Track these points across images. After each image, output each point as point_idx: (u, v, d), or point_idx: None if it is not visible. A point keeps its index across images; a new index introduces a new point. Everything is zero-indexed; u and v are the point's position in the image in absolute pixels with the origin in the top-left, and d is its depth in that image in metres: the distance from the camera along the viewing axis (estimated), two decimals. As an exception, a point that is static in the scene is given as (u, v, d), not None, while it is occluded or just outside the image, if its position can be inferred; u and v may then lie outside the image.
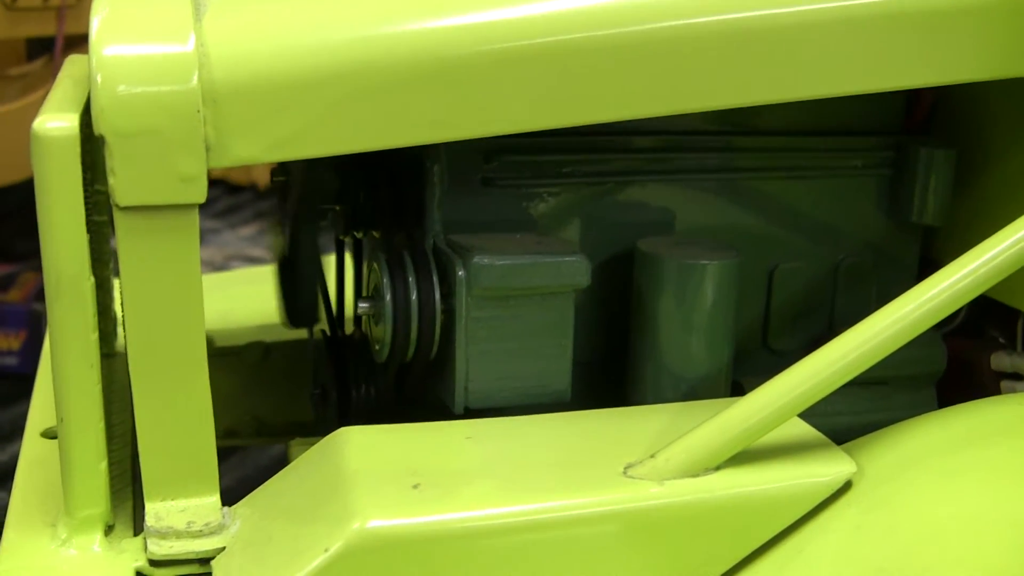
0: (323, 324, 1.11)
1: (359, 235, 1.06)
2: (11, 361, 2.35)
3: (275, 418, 1.30)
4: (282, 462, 2.13)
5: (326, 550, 0.71)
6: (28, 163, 2.48)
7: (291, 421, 1.31)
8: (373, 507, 0.72)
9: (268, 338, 1.29)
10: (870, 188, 1.07)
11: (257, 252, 3.17)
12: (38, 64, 2.44)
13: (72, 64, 1.02)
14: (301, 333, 1.22)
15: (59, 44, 2.26)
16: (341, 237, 1.07)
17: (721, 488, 0.77)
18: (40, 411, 1.08)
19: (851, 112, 1.03)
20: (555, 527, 0.74)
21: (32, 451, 1.00)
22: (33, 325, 2.35)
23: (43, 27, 2.19)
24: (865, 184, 1.07)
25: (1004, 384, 1.09)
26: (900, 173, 1.06)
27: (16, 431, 2.23)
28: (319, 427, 1.10)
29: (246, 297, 1.23)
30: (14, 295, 2.40)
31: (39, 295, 2.41)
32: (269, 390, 1.29)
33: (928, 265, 1.13)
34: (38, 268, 2.67)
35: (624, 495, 0.76)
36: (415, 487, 0.75)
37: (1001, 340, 1.13)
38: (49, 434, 1.02)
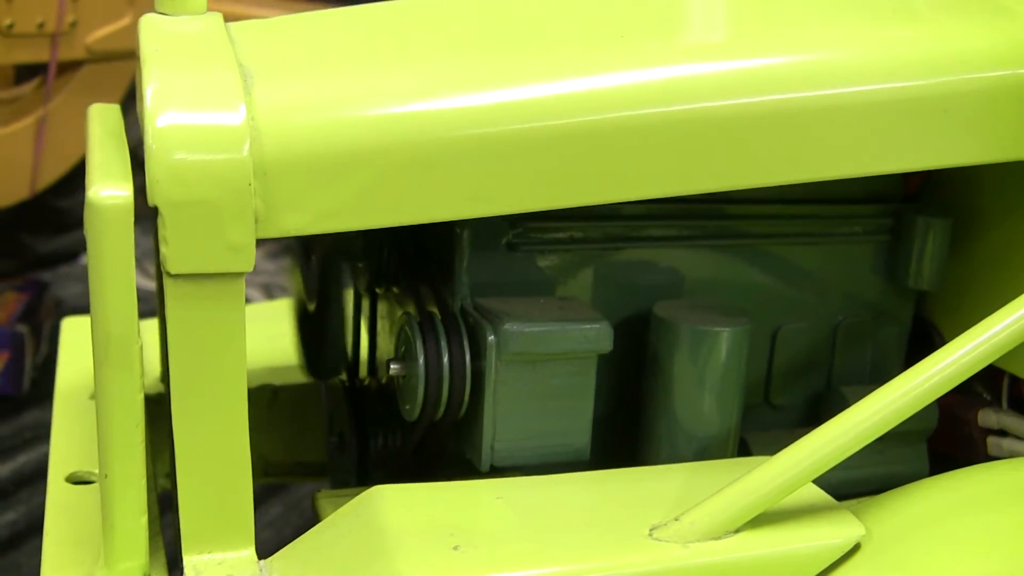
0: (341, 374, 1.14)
1: (380, 291, 1.09)
2: (-7, 383, 2.35)
3: (281, 458, 1.33)
4: (267, 495, 2.12)
5: (373, 611, 0.74)
6: (16, 188, 2.48)
7: (297, 461, 1.33)
8: (419, 568, 0.76)
9: (277, 380, 1.32)
10: (869, 253, 1.13)
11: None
12: (28, 88, 2.43)
13: (100, 117, 1.03)
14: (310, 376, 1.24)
15: (52, 70, 2.26)
16: (362, 292, 1.11)
17: (742, 550, 0.82)
18: (61, 455, 1.10)
19: (852, 182, 1.08)
20: (589, 589, 0.78)
21: (58, 497, 1.02)
22: (15, 347, 2.34)
23: (37, 53, 2.20)
24: (864, 250, 1.12)
25: (991, 440, 1.15)
26: (898, 239, 1.12)
27: (0, 453, 2.23)
28: (336, 475, 1.14)
29: (256, 336, 1.26)
30: (-4, 316, 2.39)
31: (22, 316, 2.40)
32: (276, 431, 1.32)
33: (920, 325, 1.19)
34: (19, 288, 2.67)
35: (652, 557, 0.80)
36: (456, 548, 0.78)
37: (987, 397, 1.19)
38: (74, 479, 1.04)
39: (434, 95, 0.82)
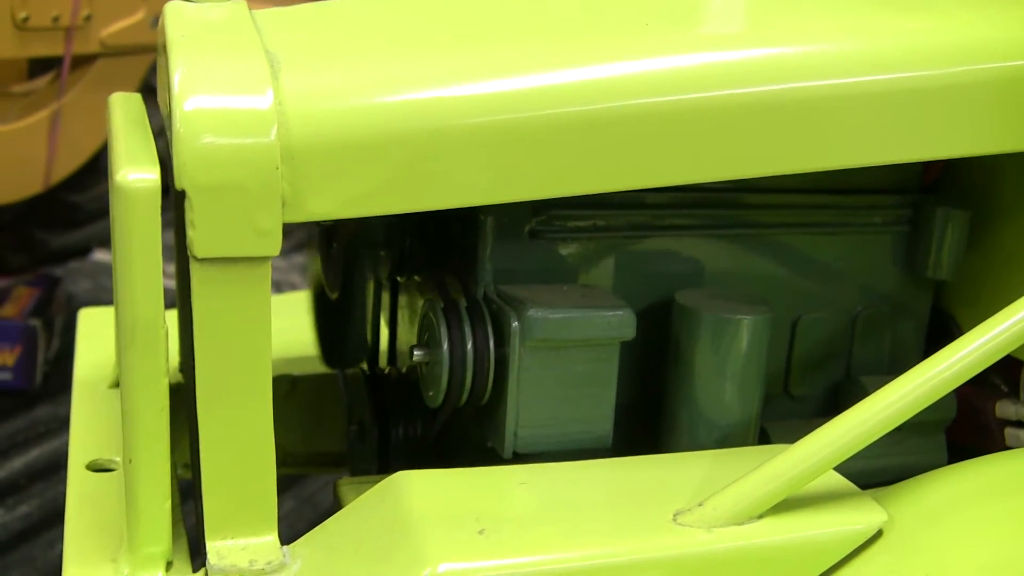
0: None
1: (401, 280, 1.10)
2: (6, 377, 2.35)
3: (299, 449, 1.33)
4: (280, 489, 2.14)
5: (399, 594, 0.74)
6: (30, 182, 2.49)
7: (315, 452, 1.33)
8: (443, 552, 0.76)
9: (295, 370, 1.32)
10: (888, 244, 1.13)
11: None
12: (42, 82, 2.44)
13: (122, 105, 1.03)
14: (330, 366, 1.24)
15: (66, 64, 2.27)
16: (383, 281, 1.11)
17: (765, 536, 0.82)
18: (81, 443, 1.10)
19: (872, 172, 1.08)
20: (615, 572, 0.78)
21: (78, 485, 1.02)
22: (28, 341, 2.35)
23: (51, 47, 2.20)
24: (884, 240, 1.13)
25: (1008, 431, 1.15)
26: (916, 230, 1.12)
27: (13, 447, 2.23)
28: (355, 464, 1.14)
29: (273, 327, 1.27)
30: (8, 310, 2.39)
31: (33, 310, 2.41)
32: (294, 421, 1.32)
33: (938, 316, 1.19)
34: (31, 283, 2.68)
35: (676, 542, 0.80)
36: (480, 532, 0.79)
37: (1004, 388, 1.19)
38: (95, 466, 1.04)
39: (460, 81, 0.82)
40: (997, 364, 1.16)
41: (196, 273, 0.79)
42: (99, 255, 3.11)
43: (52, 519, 1.98)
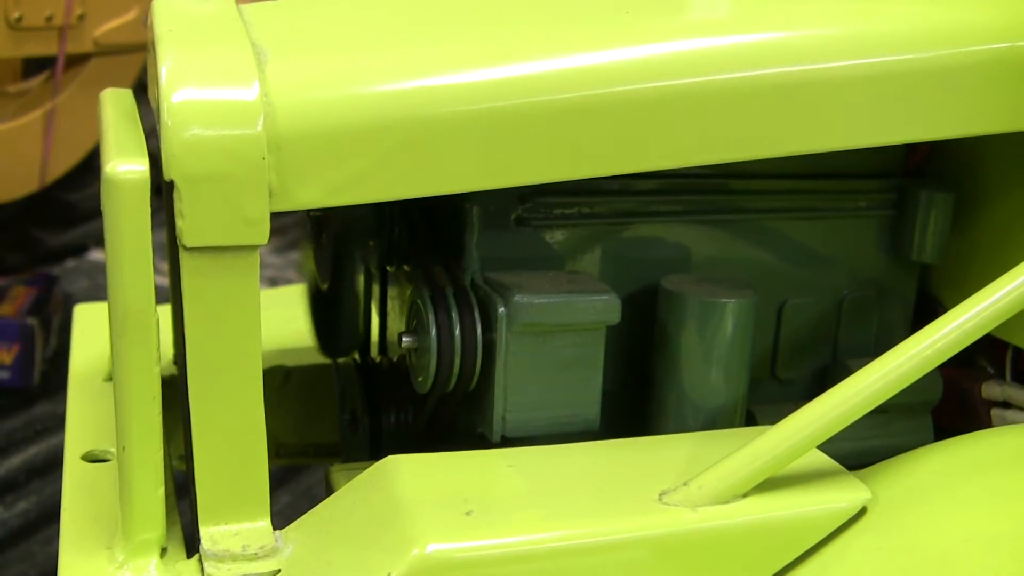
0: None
1: (391, 268, 1.11)
2: (4, 375, 2.37)
3: (294, 439, 1.34)
4: (276, 483, 2.15)
5: (389, 575, 0.75)
6: (26, 181, 2.50)
7: (309, 443, 1.35)
8: (432, 533, 0.77)
9: (289, 362, 1.33)
10: (873, 228, 1.14)
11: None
12: (36, 82, 2.45)
13: (113, 100, 1.05)
14: (322, 357, 1.25)
15: (60, 64, 2.28)
16: (372, 271, 1.12)
17: (750, 514, 0.83)
18: (77, 435, 1.11)
19: (856, 156, 1.09)
20: (601, 551, 0.79)
21: (74, 474, 1.03)
22: (25, 339, 2.36)
23: (45, 47, 2.21)
24: (868, 224, 1.14)
25: (994, 412, 1.16)
26: (901, 214, 1.14)
27: (11, 445, 2.25)
28: (348, 452, 1.15)
29: (267, 320, 1.28)
30: (6, 309, 2.41)
31: (31, 309, 2.42)
32: (288, 412, 1.33)
33: (924, 299, 1.20)
34: (28, 282, 2.69)
35: (662, 520, 0.81)
36: (468, 514, 0.80)
37: (990, 369, 1.20)
38: (91, 457, 1.05)
39: (445, 69, 0.83)
40: (983, 345, 1.17)
41: (185, 262, 0.80)
42: (96, 254, 3.13)
43: (51, 516, 1.99)
